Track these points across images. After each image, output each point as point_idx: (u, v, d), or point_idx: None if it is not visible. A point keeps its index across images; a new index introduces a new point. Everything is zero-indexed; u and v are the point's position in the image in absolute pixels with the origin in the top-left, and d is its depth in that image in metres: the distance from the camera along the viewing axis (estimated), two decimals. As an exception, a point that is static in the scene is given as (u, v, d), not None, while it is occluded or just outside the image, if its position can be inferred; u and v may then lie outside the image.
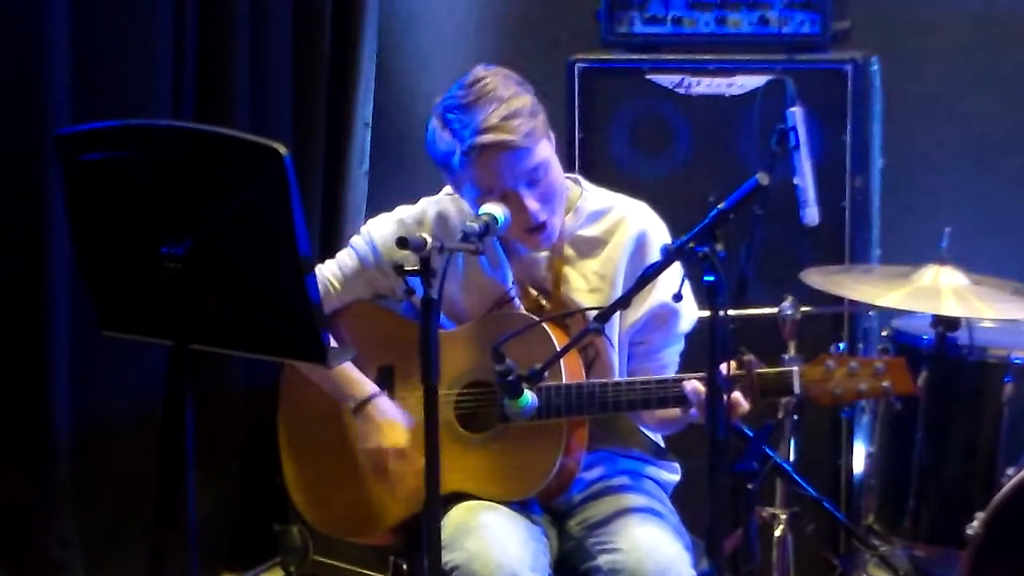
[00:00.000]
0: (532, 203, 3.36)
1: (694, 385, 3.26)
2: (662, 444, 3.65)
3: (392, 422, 3.52)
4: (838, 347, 3.36)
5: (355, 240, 3.62)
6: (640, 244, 3.50)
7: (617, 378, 3.46)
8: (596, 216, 3.53)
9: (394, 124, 5.23)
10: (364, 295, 3.63)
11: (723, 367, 3.00)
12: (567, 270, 3.50)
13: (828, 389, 3.28)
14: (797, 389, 3.29)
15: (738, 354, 3.25)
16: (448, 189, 3.56)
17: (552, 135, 3.45)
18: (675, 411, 3.37)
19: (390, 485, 3.53)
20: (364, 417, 3.54)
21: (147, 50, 4.42)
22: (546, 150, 3.39)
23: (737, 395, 3.21)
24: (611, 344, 3.47)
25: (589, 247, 3.51)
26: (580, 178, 3.60)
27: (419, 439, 3.06)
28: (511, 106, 3.33)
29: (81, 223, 3.13)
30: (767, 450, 3.48)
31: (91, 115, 4.06)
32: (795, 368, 3.30)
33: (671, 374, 3.53)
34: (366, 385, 3.56)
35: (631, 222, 3.52)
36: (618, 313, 3.38)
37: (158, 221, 2.99)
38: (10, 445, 4.28)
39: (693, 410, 3.28)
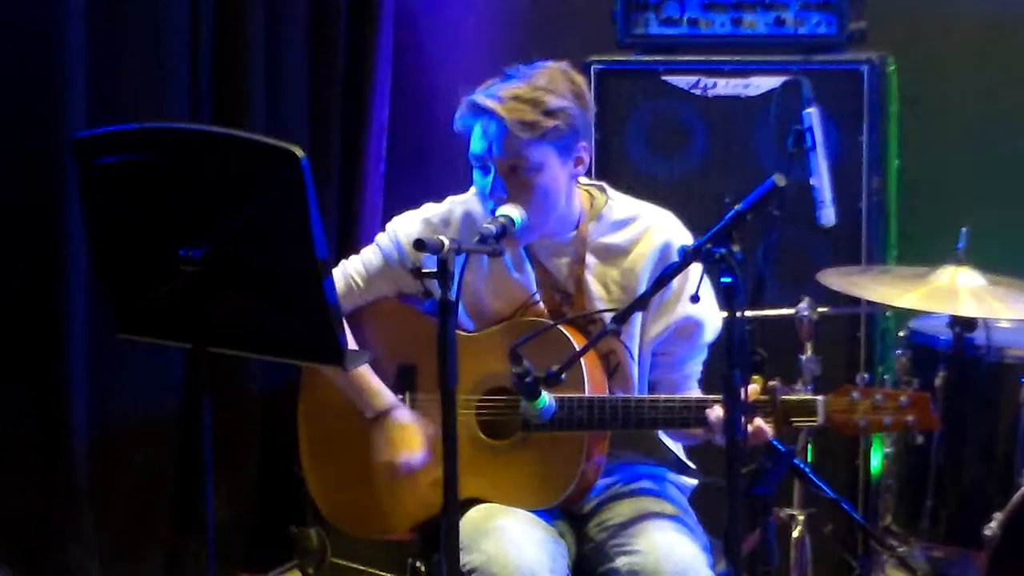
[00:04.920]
0: (497, 186, 3.34)
1: (718, 414, 3.23)
2: (683, 456, 3.63)
3: (407, 436, 3.51)
4: (864, 378, 3.32)
5: (380, 238, 3.61)
6: (664, 254, 3.46)
7: (640, 394, 3.44)
8: (620, 224, 3.50)
9: (411, 125, 5.23)
10: (388, 293, 3.61)
11: (746, 390, 2.98)
12: (588, 277, 3.48)
13: (853, 420, 3.26)
14: (821, 419, 3.27)
15: (756, 356, 3.23)
16: (475, 188, 3.54)
17: (573, 160, 3.39)
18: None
19: (410, 487, 3.53)
20: (381, 428, 3.54)
21: (163, 54, 4.43)
22: (545, 157, 3.34)
23: (760, 423, 3.20)
24: (631, 356, 3.46)
25: (611, 255, 3.48)
26: (606, 186, 3.56)
27: (440, 446, 3.05)
28: (534, 94, 3.32)
29: (98, 226, 3.13)
30: (778, 445, 3.47)
31: (108, 118, 4.06)
32: (820, 398, 3.27)
33: (694, 384, 3.53)
34: (384, 396, 3.55)
35: (656, 232, 3.48)
36: (640, 325, 3.37)
37: (175, 224, 2.99)
38: (29, 449, 4.28)
39: (718, 436, 3.25)
